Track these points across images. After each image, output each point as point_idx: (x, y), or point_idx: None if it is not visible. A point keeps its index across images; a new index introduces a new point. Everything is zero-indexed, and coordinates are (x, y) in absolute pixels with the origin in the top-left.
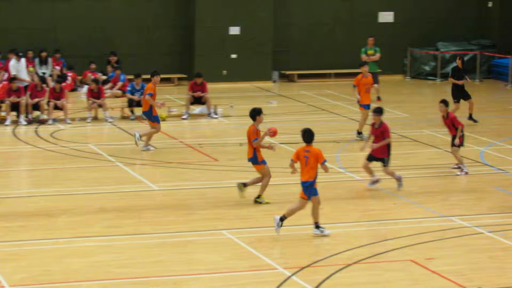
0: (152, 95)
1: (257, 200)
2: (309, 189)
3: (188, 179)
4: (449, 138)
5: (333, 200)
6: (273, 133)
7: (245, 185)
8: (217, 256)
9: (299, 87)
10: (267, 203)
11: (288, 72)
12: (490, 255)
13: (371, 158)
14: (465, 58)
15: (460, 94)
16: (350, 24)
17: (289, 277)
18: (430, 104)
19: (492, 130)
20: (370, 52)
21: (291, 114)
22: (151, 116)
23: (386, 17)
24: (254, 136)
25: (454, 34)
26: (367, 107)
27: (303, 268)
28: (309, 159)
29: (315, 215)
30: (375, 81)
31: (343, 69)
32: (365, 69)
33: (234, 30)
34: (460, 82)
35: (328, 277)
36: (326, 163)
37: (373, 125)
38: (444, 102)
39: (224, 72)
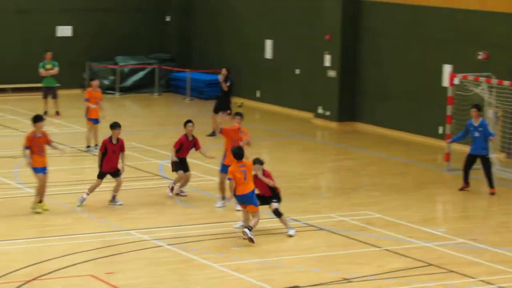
0: None
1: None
2: (254, 198)
3: None
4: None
5: (11, 217)
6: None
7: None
8: None
9: None
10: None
11: None
12: (170, 268)
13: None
14: (144, 72)
15: (223, 104)
16: (27, 39)
17: None
18: (109, 118)
19: (171, 143)
20: (48, 66)
21: None
22: None
23: (65, 31)
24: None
25: (133, 48)
26: (94, 121)
27: None
28: (247, 172)
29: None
30: (54, 95)
31: (22, 84)
32: (95, 83)
33: None
34: (225, 88)
35: None
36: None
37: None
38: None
39: None
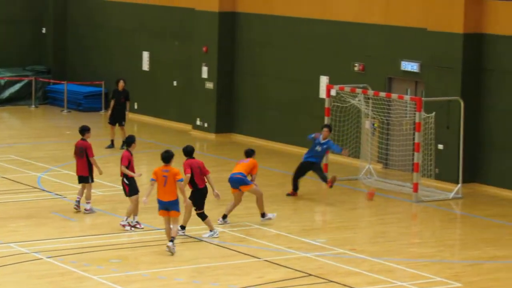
0: None
1: None
2: (177, 205)
3: None
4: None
5: None
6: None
7: None
8: None
9: None
10: None
11: None
12: (50, 280)
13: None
14: (20, 84)
15: (117, 117)
16: None
17: None
18: None
19: (49, 156)
20: None
21: None
22: None
23: None
24: None
25: (9, 60)
26: None
27: None
28: (168, 178)
29: (175, 232)
30: None
31: None
32: None
33: None
34: (111, 105)
35: None
36: (181, 182)
37: None
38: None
39: None
